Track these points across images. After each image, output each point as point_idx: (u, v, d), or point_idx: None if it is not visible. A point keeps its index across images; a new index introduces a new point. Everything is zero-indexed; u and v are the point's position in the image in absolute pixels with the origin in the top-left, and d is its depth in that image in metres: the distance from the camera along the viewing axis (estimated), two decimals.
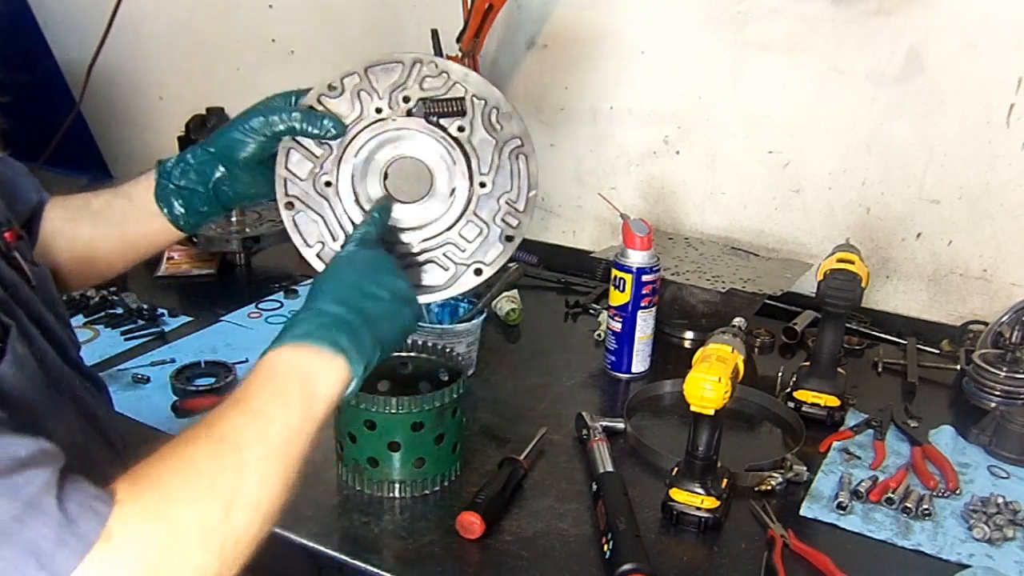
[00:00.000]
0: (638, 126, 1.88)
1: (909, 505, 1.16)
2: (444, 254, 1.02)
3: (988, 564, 1.07)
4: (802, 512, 1.16)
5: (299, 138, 1.00)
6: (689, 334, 1.67)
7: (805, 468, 1.22)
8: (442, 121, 1.00)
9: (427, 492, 1.18)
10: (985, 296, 1.65)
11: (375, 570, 1.04)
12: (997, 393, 1.42)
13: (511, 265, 1.68)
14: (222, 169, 1.03)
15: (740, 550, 1.09)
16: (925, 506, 1.16)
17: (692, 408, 1.08)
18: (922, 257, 1.69)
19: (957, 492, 1.21)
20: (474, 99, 1.01)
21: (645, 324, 1.49)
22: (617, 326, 1.49)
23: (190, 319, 1.68)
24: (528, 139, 1.02)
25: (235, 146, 1.01)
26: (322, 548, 1.08)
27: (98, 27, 2.21)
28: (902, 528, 1.13)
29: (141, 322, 1.65)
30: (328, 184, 1.00)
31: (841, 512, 1.16)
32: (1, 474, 0.59)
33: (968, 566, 1.06)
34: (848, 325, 1.59)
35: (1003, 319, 1.52)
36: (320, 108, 1.00)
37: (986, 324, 1.57)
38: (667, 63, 1.82)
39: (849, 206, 1.73)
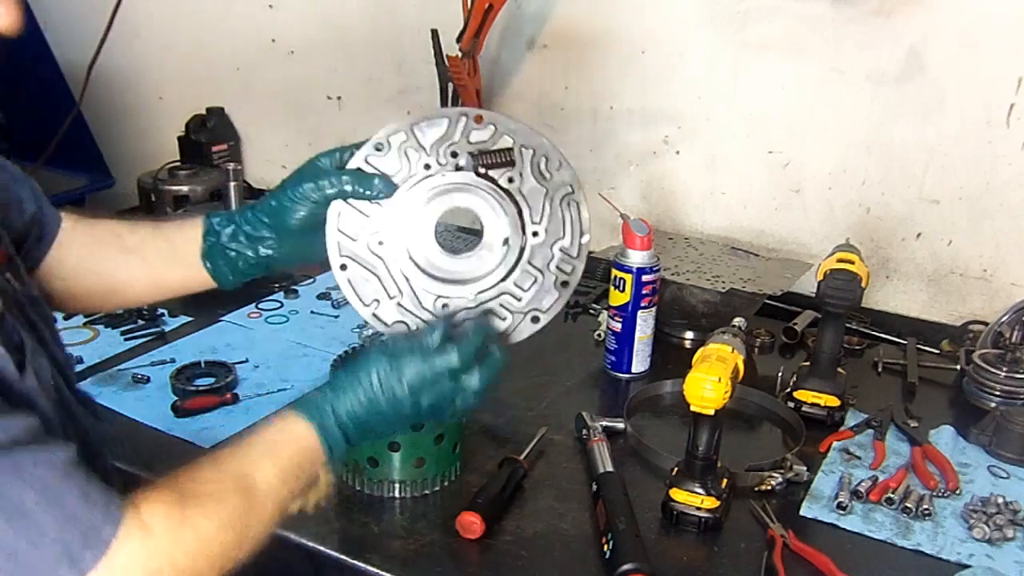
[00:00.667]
0: (638, 126, 1.88)
1: (909, 505, 1.16)
2: (501, 304, 1.01)
3: (988, 564, 1.07)
4: (802, 512, 1.16)
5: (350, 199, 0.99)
6: (689, 334, 1.67)
7: (805, 468, 1.22)
8: (491, 172, 1.00)
9: (427, 492, 1.18)
10: (985, 296, 1.65)
11: (375, 570, 1.05)
12: (997, 393, 1.42)
13: None
14: (272, 234, 1.03)
15: (740, 550, 1.09)
16: (925, 506, 1.16)
17: (692, 408, 1.08)
18: (922, 257, 1.69)
19: (957, 492, 1.21)
20: (522, 149, 1.00)
21: (645, 324, 1.49)
22: (617, 326, 1.49)
23: (190, 319, 1.68)
24: (579, 185, 1.02)
25: (286, 212, 1.00)
26: (322, 548, 1.08)
27: (98, 27, 2.20)
28: (902, 528, 1.13)
29: (141, 322, 1.65)
30: (380, 243, 0.99)
31: (841, 512, 1.16)
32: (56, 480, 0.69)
33: (968, 566, 1.06)
34: (848, 325, 1.59)
35: (1003, 319, 1.52)
36: (368, 168, 0.99)
37: (986, 324, 1.57)
38: (667, 63, 1.82)
39: (849, 206, 1.73)
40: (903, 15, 1.57)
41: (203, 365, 1.46)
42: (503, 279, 1.00)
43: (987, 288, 1.65)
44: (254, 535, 0.80)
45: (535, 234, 1.01)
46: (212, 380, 1.42)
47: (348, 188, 0.97)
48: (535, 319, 1.02)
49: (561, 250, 1.02)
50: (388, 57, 2.11)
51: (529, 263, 1.01)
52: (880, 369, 1.57)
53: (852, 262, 1.33)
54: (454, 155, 1.00)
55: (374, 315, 1.00)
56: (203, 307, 1.72)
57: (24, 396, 0.75)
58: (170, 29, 2.41)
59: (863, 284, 1.33)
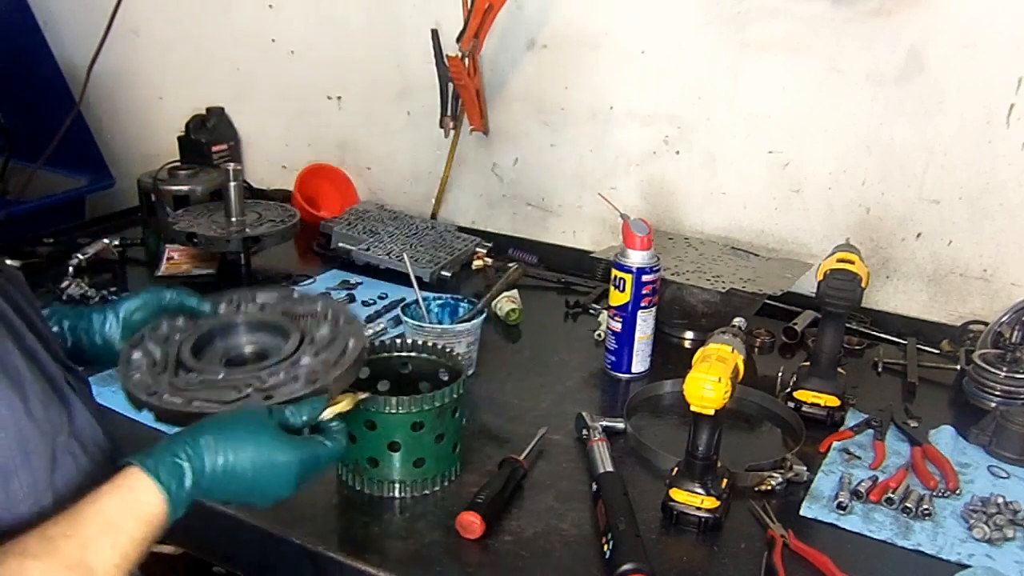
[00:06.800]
0: (638, 126, 1.88)
1: (909, 505, 1.16)
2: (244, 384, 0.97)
3: (988, 564, 1.07)
4: (802, 512, 1.16)
5: None
6: (689, 334, 1.67)
7: (805, 468, 1.22)
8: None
9: (427, 492, 1.18)
10: (985, 296, 1.65)
11: (375, 570, 1.04)
12: (997, 393, 1.42)
13: (511, 265, 1.68)
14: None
15: (740, 550, 1.09)
16: (925, 506, 1.16)
17: (692, 408, 1.08)
18: (922, 257, 1.69)
19: (957, 492, 1.21)
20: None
21: (645, 324, 1.49)
22: (617, 326, 1.49)
23: None
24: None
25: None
26: (322, 548, 1.08)
27: (98, 27, 2.21)
28: (902, 528, 1.13)
29: None
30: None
31: (841, 512, 1.16)
32: None
33: (968, 566, 1.06)
34: (848, 325, 1.59)
35: (1003, 319, 1.52)
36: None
37: (986, 324, 1.57)
38: (667, 63, 1.82)
39: (849, 206, 1.73)
40: (903, 15, 1.57)
41: None
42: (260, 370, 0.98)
43: (987, 288, 1.65)
44: None
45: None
46: None
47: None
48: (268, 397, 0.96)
49: (324, 363, 0.98)
50: (388, 57, 2.11)
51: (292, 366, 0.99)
52: (880, 369, 1.57)
53: (852, 262, 1.33)
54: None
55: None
56: None
57: None
58: (170, 29, 2.41)
59: (863, 284, 1.33)
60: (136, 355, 1.01)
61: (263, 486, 0.85)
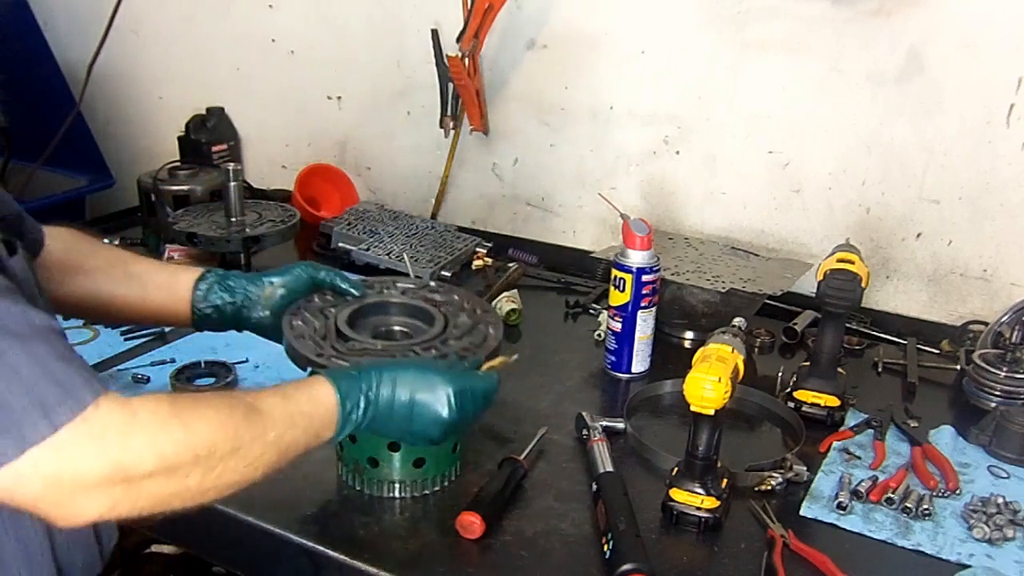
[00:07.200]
0: (638, 126, 1.88)
1: (909, 505, 1.16)
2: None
3: (988, 564, 1.07)
4: (802, 512, 1.16)
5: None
6: (689, 334, 1.67)
7: (805, 468, 1.22)
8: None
9: (427, 492, 1.18)
10: (985, 296, 1.65)
11: (375, 570, 1.04)
12: (997, 393, 1.42)
13: (511, 265, 1.68)
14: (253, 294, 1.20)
15: (740, 550, 1.09)
16: (925, 506, 1.16)
17: (692, 408, 1.08)
18: (922, 257, 1.69)
19: (957, 492, 1.21)
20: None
21: (645, 324, 1.49)
22: (617, 326, 1.49)
23: None
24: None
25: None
26: (322, 548, 1.08)
27: (98, 27, 2.21)
28: (902, 528, 1.13)
29: None
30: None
31: (841, 512, 1.16)
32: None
33: (968, 566, 1.06)
34: (848, 325, 1.59)
35: (1003, 319, 1.52)
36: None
37: (986, 324, 1.57)
38: (667, 63, 1.82)
39: (849, 206, 1.73)
40: (903, 15, 1.57)
41: (203, 365, 1.45)
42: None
43: (987, 288, 1.65)
44: (254, 453, 0.83)
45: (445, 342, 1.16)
46: (212, 380, 1.42)
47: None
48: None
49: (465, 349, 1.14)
50: (388, 57, 2.11)
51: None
52: (880, 369, 1.57)
53: (852, 262, 1.33)
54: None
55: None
56: None
57: (11, 273, 0.79)
58: (170, 29, 2.41)
59: (863, 284, 1.33)
60: (297, 322, 1.15)
61: (426, 410, 1.00)
